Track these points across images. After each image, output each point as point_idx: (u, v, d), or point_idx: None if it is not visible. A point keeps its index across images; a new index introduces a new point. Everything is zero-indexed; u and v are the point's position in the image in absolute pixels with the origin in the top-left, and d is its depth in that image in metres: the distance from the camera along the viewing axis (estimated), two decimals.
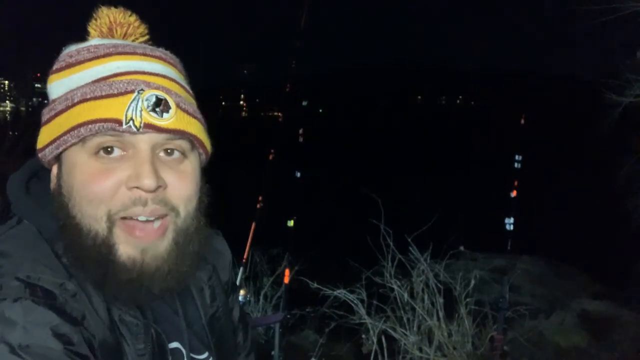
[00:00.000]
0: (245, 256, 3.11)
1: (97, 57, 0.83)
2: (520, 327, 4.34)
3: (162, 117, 0.79)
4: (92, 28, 0.87)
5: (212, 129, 0.91)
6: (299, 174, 3.17)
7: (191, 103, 0.87)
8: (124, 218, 0.79)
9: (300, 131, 3.26)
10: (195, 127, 0.85)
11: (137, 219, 0.79)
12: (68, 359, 0.69)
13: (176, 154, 0.83)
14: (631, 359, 4.23)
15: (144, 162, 0.78)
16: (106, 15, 0.87)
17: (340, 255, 4.72)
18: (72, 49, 0.85)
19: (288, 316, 3.19)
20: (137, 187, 0.78)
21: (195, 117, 0.86)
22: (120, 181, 0.78)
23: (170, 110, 0.80)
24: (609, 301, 5.17)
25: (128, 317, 0.80)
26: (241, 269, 3.08)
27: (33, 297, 0.71)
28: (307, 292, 4.09)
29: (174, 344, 0.89)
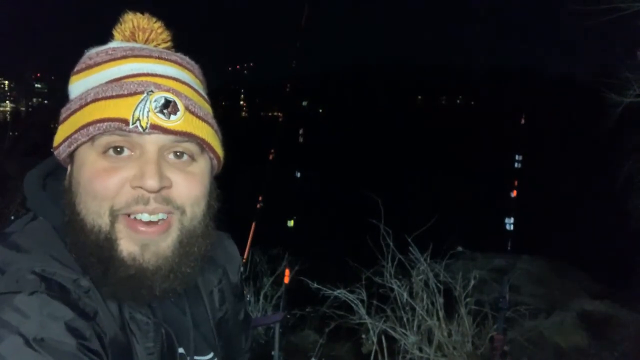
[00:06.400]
0: (245, 256, 3.11)
1: (114, 59, 0.84)
2: (520, 327, 4.33)
3: (169, 118, 0.79)
4: (116, 32, 0.89)
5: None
6: (299, 174, 3.17)
7: (203, 107, 0.87)
8: (127, 215, 0.79)
9: (300, 131, 3.26)
10: (205, 131, 0.85)
11: (140, 219, 0.79)
12: (80, 354, 0.70)
13: (185, 157, 0.83)
14: (631, 359, 4.23)
15: (149, 162, 0.79)
16: (130, 20, 0.88)
17: (340, 255, 4.71)
18: (92, 51, 0.87)
19: (288, 316, 3.19)
20: (140, 187, 0.78)
21: (205, 121, 0.86)
22: (125, 179, 0.79)
23: (179, 113, 0.80)
24: (609, 301, 5.17)
25: (139, 316, 0.81)
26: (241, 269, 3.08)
27: (48, 291, 0.72)
28: (307, 292, 4.09)
29: (180, 350, 0.89)
